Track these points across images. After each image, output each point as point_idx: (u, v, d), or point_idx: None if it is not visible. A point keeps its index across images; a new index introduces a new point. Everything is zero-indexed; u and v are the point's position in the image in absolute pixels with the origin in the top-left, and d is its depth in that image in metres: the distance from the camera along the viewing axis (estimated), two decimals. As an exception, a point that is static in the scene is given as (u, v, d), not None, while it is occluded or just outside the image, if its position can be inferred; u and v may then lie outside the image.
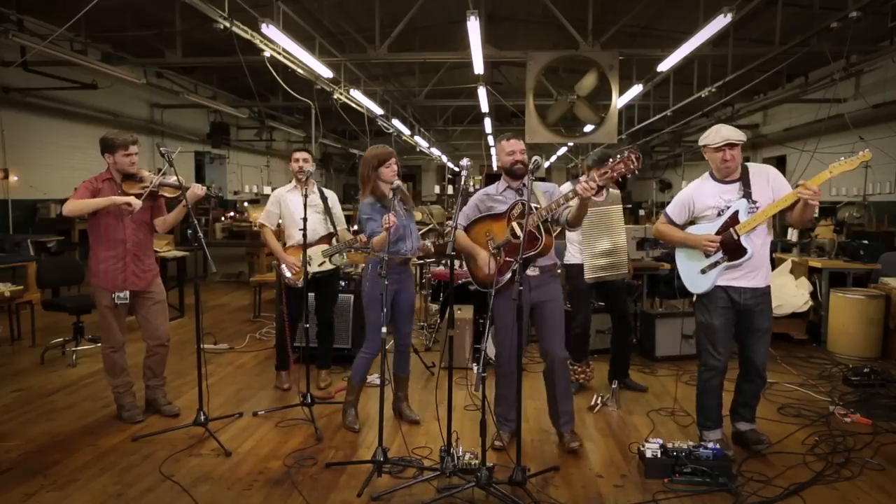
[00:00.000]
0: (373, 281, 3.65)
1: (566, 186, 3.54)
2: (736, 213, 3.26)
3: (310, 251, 4.36)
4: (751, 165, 3.36)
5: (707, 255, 3.33)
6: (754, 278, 3.31)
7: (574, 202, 3.18)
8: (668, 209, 3.53)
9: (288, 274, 4.34)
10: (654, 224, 3.67)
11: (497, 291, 3.33)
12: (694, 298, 3.50)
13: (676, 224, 3.50)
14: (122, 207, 3.71)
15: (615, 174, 2.98)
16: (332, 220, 4.48)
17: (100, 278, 3.77)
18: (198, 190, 3.87)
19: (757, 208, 3.24)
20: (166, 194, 3.87)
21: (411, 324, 3.95)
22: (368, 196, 3.70)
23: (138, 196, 3.75)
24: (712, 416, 3.47)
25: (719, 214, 3.32)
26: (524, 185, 3.38)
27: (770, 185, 3.29)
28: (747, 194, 3.26)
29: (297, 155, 4.52)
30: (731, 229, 3.26)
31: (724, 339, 3.36)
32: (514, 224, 3.33)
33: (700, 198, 3.40)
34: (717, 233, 3.31)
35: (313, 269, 4.35)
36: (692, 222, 3.48)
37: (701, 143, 3.35)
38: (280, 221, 4.58)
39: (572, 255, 4.43)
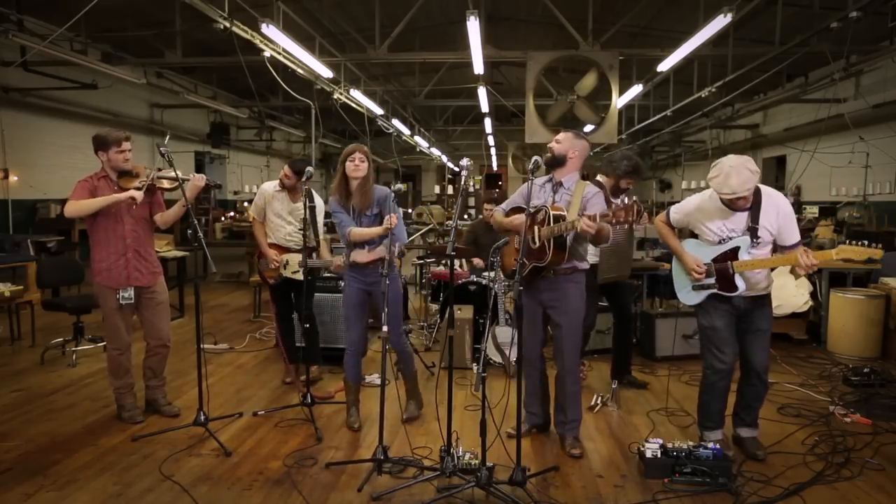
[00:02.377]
0: (345, 280, 3.84)
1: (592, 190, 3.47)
2: (737, 248, 3.23)
3: (288, 256, 4.54)
4: (765, 192, 3.24)
5: (695, 278, 3.35)
6: (750, 292, 3.30)
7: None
8: (673, 211, 3.54)
9: (264, 267, 4.58)
10: (654, 224, 3.67)
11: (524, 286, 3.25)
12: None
13: (671, 225, 3.54)
14: (125, 204, 3.70)
15: (614, 220, 2.91)
16: (315, 230, 4.52)
17: (103, 276, 3.76)
18: (198, 181, 3.85)
19: (758, 243, 3.20)
20: (165, 186, 3.86)
21: (399, 324, 3.85)
22: (333, 195, 3.76)
23: (137, 190, 3.76)
24: (714, 418, 3.47)
25: (720, 242, 3.31)
26: (553, 175, 3.44)
27: (777, 221, 3.21)
28: (752, 230, 3.19)
29: (284, 171, 4.54)
30: (729, 263, 3.23)
31: (727, 340, 3.33)
32: (535, 228, 3.32)
33: (703, 219, 3.35)
34: (714, 260, 3.29)
35: (287, 273, 4.53)
36: (693, 234, 3.49)
37: (710, 183, 3.20)
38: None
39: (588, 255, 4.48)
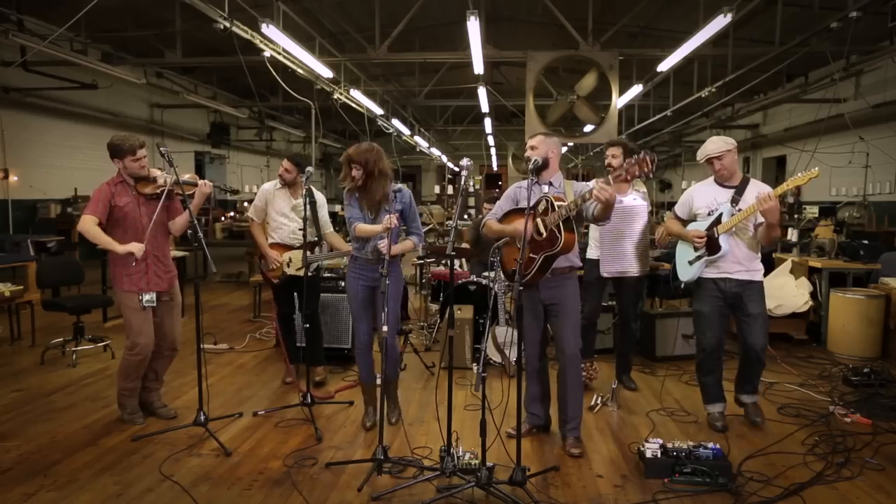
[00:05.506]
0: (347, 277, 3.85)
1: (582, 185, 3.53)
2: (720, 215, 3.72)
3: (291, 254, 4.51)
4: (753, 180, 3.79)
5: (695, 249, 3.81)
6: (737, 272, 3.72)
7: (592, 201, 3.18)
8: (676, 206, 4.02)
9: (266, 268, 4.55)
10: (664, 226, 4.12)
11: (524, 287, 3.30)
12: (682, 285, 4.01)
13: (682, 219, 3.96)
14: (154, 224, 3.73)
15: (628, 175, 3.01)
16: (317, 226, 4.52)
17: (123, 281, 3.74)
18: (204, 188, 3.84)
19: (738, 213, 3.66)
20: (186, 192, 3.81)
21: (393, 323, 3.82)
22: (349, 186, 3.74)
23: (155, 197, 3.76)
24: (710, 392, 3.89)
25: (709, 214, 3.78)
26: (538, 182, 3.44)
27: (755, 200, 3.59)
28: (734, 200, 3.70)
29: (284, 164, 4.55)
30: (714, 228, 3.73)
31: (712, 323, 3.78)
32: (539, 221, 3.35)
33: (698, 197, 3.89)
34: (706, 231, 3.76)
35: (291, 271, 4.50)
36: (694, 220, 3.89)
37: (697, 157, 3.88)
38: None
39: (590, 250, 4.52)
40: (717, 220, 3.71)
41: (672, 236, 4.02)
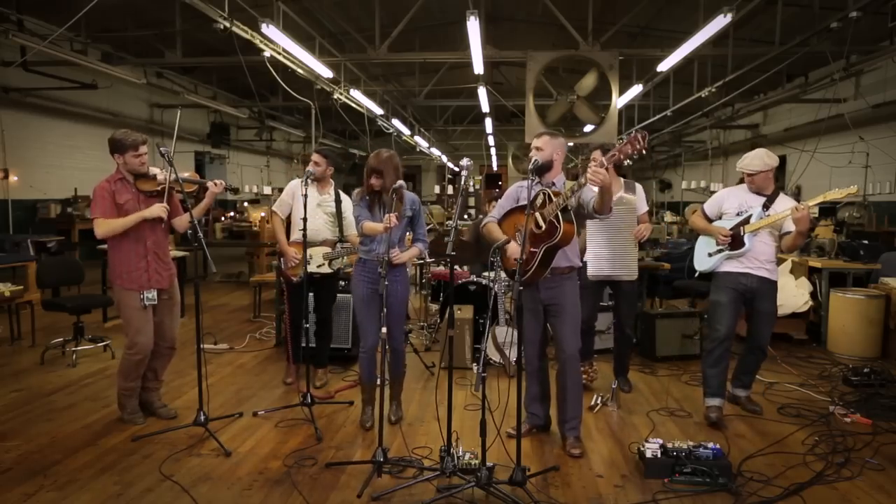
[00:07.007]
0: (354, 280, 3.83)
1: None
2: (750, 216, 3.98)
3: (311, 250, 4.42)
4: (784, 195, 4.03)
5: (718, 244, 4.06)
6: (759, 269, 3.95)
7: (588, 189, 3.19)
8: (705, 205, 4.28)
9: (285, 266, 4.50)
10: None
11: (524, 286, 3.30)
12: (696, 274, 4.30)
13: (708, 217, 4.20)
14: (154, 223, 3.75)
15: (622, 156, 2.98)
16: (340, 226, 4.51)
17: (123, 280, 3.74)
18: (216, 188, 3.86)
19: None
20: (186, 190, 3.82)
21: (401, 325, 3.87)
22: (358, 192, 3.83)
23: (155, 195, 3.77)
24: (712, 384, 3.94)
25: (738, 214, 4.03)
26: (540, 182, 3.44)
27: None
28: (766, 206, 3.96)
29: (313, 157, 4.55)
30: (742, 227, 3.98)
31: (726, 314, 3.93)
32: (537, 214, 3.36)
33: (729, 198, 4.16)
34: (731, 229, 4.01)
35: (311, 268, 4.41)
36: (719, 218, 4.16)
37: (738, 164, 4.12)
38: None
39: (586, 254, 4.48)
40: (745, 221, 3.98)
41: (698, 232, 4.28)
